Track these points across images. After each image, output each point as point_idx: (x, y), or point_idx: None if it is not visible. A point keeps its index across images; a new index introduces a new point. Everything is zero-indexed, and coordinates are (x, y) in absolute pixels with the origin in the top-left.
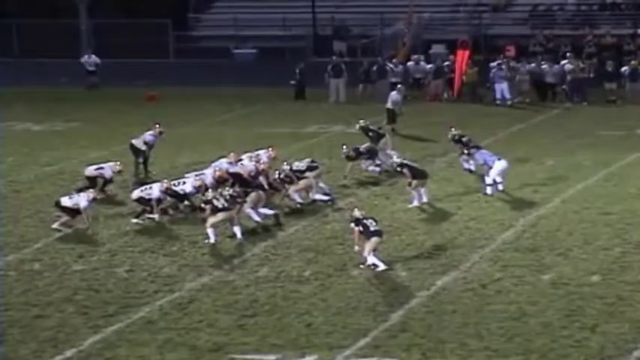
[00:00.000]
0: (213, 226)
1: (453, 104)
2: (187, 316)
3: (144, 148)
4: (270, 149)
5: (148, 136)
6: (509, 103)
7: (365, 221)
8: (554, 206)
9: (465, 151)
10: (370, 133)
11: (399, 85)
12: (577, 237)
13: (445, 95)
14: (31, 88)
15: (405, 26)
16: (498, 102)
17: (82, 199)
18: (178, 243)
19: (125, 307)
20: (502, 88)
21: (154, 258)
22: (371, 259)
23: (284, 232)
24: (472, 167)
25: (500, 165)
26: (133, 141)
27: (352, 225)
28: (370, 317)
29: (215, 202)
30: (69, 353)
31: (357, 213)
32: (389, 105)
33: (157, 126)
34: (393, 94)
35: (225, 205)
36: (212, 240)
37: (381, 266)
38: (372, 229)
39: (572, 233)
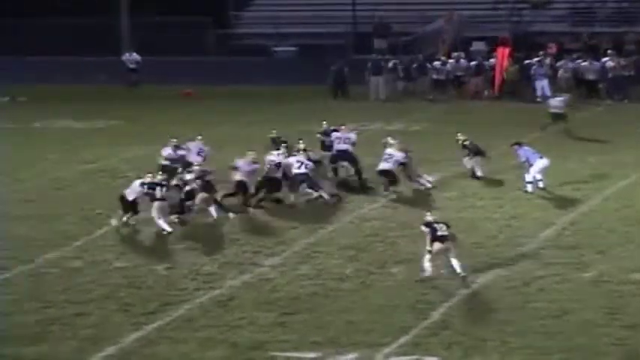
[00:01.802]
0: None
1: (493, 102)
2: (228, 314)
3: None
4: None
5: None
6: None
7: (435, 225)
8: (595, 204)
9: (469, 156)
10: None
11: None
12: (618, 235)
13: (486, 93)
14: (71, 86)
15: (446, 23)
16: (539, 99)
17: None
18: (219, 240)
19: (166, 304)
20: (543, 85)
21: (194, 255)
22: (425, 264)
23: (325, 230)
24: (479, 172)
25: (541, 163)
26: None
27: (422, 227)
28: (411, 315)
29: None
30: (109, 350)
31: (428, 217)
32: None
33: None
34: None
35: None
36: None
37: (427, 272)
38: (438, 233)
39: (613, 231)
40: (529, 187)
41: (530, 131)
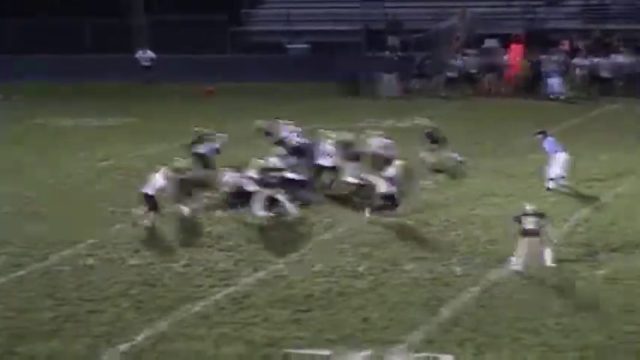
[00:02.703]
0: None
1: (506, 99)
2: (242, 311)
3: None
4: None
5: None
6: (561, 97)
7: (525, 217)
8: (608, 201)
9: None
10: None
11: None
12: (631, 232)
13: (502, 89)
14: (86, 84)
15: (459, 20)
16: (551, 96)
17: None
18: (234, 238)
19: (180, 301)
20: (554, 82)
21: (209, 253)
22: (516, 261)
23: (339, 227)
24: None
25: (562, 157)
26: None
27: (514, 220)
28: (424, 312)
29: None
30: (123, 348)
31: (527, 207)
32: None
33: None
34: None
35: None
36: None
37: (519, 267)
38: (525, 227)
39: (627, 229)
40: (550, 184)
41: (542, 128)
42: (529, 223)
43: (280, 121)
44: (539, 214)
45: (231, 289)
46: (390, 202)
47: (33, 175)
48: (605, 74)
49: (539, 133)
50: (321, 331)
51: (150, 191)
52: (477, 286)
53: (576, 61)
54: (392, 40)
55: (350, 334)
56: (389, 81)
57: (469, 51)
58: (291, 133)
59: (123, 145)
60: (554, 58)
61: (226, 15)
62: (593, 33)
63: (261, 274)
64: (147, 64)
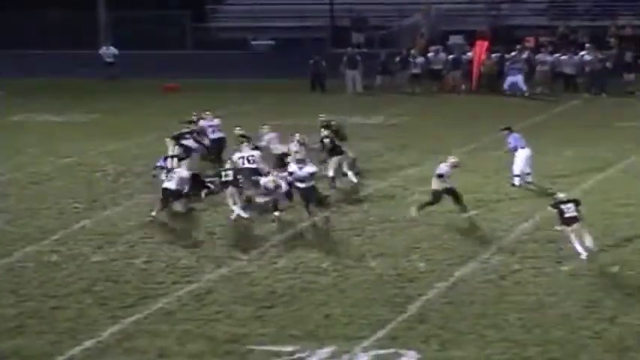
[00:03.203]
0: None
1: (471, 95)
2: (205, 307)
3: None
4: None
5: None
6: (526, 94)
7: (562, 206)
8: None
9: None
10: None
11: None
12: (596, 228)
13: (463, 87)
14: (50, 80)
15: (424, 17)
16: (507, 92)
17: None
18: (196, 234)
19: (144, 298)
20: (516, 80)
21: (172, 249)
22: (578, 247)
23: (303, 224)
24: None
25: (524, 153)
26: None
27: (550, 209)
28: (388, 308)
29: None
30: (87, 344)
31: (560, 195)
32: None
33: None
34: None
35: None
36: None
37: (582, 253)
38: (566, 215)
39: (592, 224)
40: (516, 181)
41: (506, 125)
42: (568, 212)
43: (207, 113)
44: (575, 201)
45: (193, 286)
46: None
47: None
48: (568, 71)
49: (505, 129)
50: (285, 327)
51: (173, 185)
52: (442, 282)
53: (539, 57)
54: (356, 37)
55: (313, 331)
56: (352, 77)
57: (433, 47)
58: (210, 126)
59: (86, 141)
60: (515, 54)
61: (190, 11)
62: (558, 30)
63: (223, 271)
64: (110, 60)
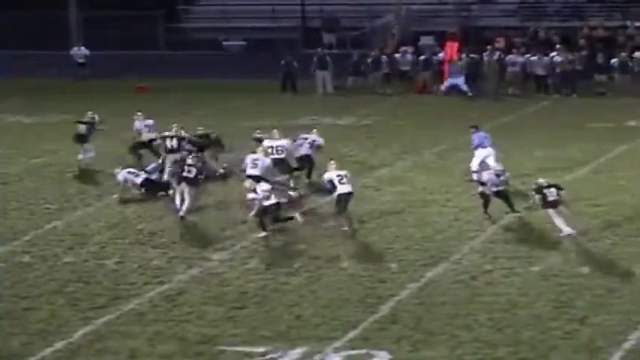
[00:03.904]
0: None
1: (441, 96)
2: (177, 308)
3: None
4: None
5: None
6: (469, 94)
7: (545, 191)
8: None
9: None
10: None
11: None
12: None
13: (434, 87)
14: (21, 80)
15: (395, 18)
16: (444, 95)
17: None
18: (167, 235)
19: (115, 298)
20: (456, 82)
21: (143, 250)
22: (565, 230)
23: (274, 224)
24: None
25: (482, 152)
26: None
27: (533, 193)
28: (360, 309)
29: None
30: (59, 345)
31: (540, 180)
32: None
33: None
34: None
35: None
36: None
37: (565, 231)
38: (549, 199)
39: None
40: (474, 176)
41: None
42: (551, 195)
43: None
44: (557, 186)
45: (165, 287)
46: None
47: None
48: (539, 72)
49: (472, 127)
50: (256, 328)
51: (258, 172)
52: (414, 282)
53: (510, 58)
54: (328, 38)
55: (285, 331)
56: (322, 78)
57: (402, 48)
58: (145, 126)
59: (57, 142)
60: (462, 57)
61: (162, 11)
62: (529, 31)
63: (195, 272)
64: (81, 60)
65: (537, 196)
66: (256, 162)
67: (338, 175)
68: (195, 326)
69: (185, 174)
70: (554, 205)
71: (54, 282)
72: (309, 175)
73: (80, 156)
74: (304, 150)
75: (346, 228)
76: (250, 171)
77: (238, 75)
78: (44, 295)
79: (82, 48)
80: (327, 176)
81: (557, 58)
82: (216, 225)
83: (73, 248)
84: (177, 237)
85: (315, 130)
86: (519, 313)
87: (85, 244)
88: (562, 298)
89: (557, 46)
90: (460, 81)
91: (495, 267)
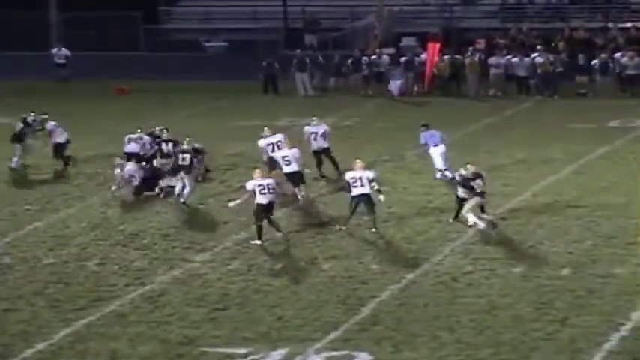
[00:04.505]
0: None
1: (423, 97)
2: (158, 309)
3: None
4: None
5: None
6: (395, 99)
7: (472, 183)
8: (525, 199)
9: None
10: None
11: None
12: (547, 230)
13: (416, 88)
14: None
15: (376, 19)
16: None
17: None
18: (149, 236)
19: (96, 300)
20: (396, 84)
21: (124, 251)
22: (471, 218)
23: (254, 225)
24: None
25: (436, 151)
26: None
27: (458, 185)
28: (341, 310)
29: None
30: (40, 346)
31: (463, 172)
32: None
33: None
34: None
35: None
36: None
37: (480, 225)
38: (477, 190)
39: (543, 226)
40: (437, 175)
41: (458, 128)
42: (479, 187)
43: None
44: (480, 176)
45: (146, 288)
46: None
47: None
48: (520, 73)
49: (423, 125)
50: (238, 329)
51: (296, 167)
52: (395, 284)
53: (493, 60)
54: (309, 39)
55: (266, 333)
56: (301, 80)
57: (381, 50)
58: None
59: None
60: (397, 60)
61: (142, 12)
62: (510, 32)
63: (176, 273)
64: (61, 61)
65: (461, 189)
66: (287, 158)
67: (352, 178)
68: (176, 327)
69: (180, 162)
70: (481, 195)
71: (35, 283)
72: (337, 168)
73: (15, 159)
74: (320, 144)
75: (341, 227)
76: (287, 169)
77: (219, 76)
78: (25, 297)
79: (63, 49)
80: (348, 176)
81: (539, 60)
82: (197, 226)
83: (53, 249)
84: (159, 238)
85: (315, 118)
86: (500, 314)
87: (66, 245)
88: (543, 299)
89: (538, 47)
90: (398, 84)
91: (476, 268)
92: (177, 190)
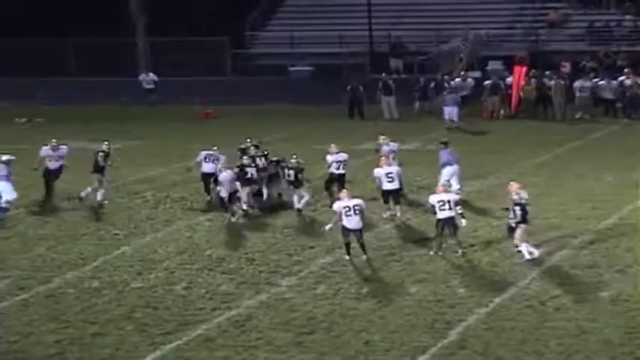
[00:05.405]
0: None
1: (510, 120)
2: (245, 334)
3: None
4: None
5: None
6: (455, 127)
7: (516, 208)
8: (613, 222)
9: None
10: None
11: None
12: (636, 254)
13: (502, 112)
14: (90, 107)
15: (462, 43)
16: (447, 125)
17: None
18: (235, 260)
19: (183, 324)
20: (451, 110)
21: (211, 275)
22: (522, 247)
23: (341, 250)
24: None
25: (448, 171)
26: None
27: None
28: (428, 334)
29: None
30: None
31: (515, 196)
32: None
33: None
34: None
35: None
36: None
37: (526, 256)
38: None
39: (631, 250)
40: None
41: (545, 150)
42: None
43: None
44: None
45: (233, 312)
46: None
47: (33, 197)
48: (607, 96)
49: (442, 142)
50: (324, 353)
51: (397, 185)
52: (482, 307)
53: (578, 83)
54: (395, 63)
55: (353, 357)
56: (387, 104)
57: (466, 74)
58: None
59: (126, 168)
60: (447, 81)
61: (228, 37)
62: (598, 54)
63: (263, 297)
64: (150, 86)
65: (519, 212)
66: (391, 175)
67: (440, 201)
68: (263, 352)
69: (286, 178)
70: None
71: (122, 307)
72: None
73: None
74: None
75: (459, 251)
76: (389, 186)
77: (304, 100)
78: (113, 321)
79: (151, 74)
80: (431, 199)
81: (627, 82)
82: (284, 250)
83: (141, 274)
84: (245, 262)
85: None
86: (589, 338)
87: (154, 270)
88: (632, 323)
89: (626, 69)
90: (455, 111)
91: (564, 292)
92: (294, 201)
